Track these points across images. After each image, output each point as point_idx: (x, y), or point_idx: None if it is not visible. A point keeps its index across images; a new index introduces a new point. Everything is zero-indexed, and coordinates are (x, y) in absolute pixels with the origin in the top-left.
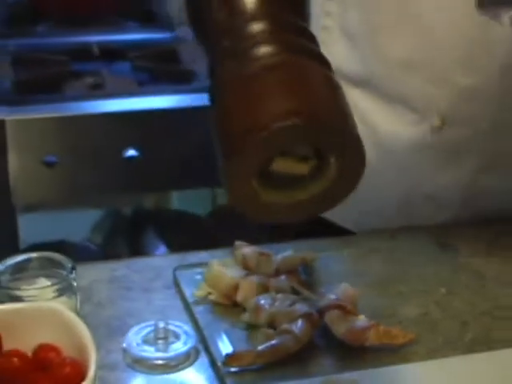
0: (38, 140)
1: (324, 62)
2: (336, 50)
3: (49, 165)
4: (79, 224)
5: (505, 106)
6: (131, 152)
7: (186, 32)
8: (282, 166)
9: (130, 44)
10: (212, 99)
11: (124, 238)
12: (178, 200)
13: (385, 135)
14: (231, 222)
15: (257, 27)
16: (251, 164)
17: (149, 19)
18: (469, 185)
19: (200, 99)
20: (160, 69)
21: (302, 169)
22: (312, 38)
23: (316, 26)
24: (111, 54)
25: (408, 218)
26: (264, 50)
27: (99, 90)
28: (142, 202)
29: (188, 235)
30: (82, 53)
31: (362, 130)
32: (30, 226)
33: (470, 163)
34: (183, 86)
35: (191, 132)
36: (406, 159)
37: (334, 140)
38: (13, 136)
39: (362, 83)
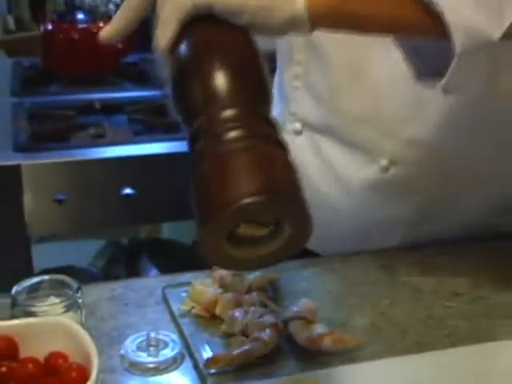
0: (50, 181)
1: (283, 147)
2: (304, 105)
3: (59, 202)
4: (84, 252)
5: (442, 152)
6: (128, 190)
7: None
8: (246, 230)
9: (126, 100)
10: (191, 172)
11: (122, 264)
12: (168, 231)
13: (343, 174)
14: None
15: (229, 114)
16: (221, 230)
17: (142, 80)
18: (413, 218)
19: (185, 146)
20: (152, 121)
21: (263, 232)
22: (274, 125)
23: (288, 86)
24: (111, 108)
25: (359, 244)
26: (235, 134)
27: (101, 139)
28: (137, 232)
29: (176, 260)
30: (86, 108)
31: (325, 171)
32: (42, 254)
33: (415, 199)
34: (171, 135)
35: (178, 173)
36: (360, 195)
37: (289, 213)
38: (27, 178)
39: (324, 131)
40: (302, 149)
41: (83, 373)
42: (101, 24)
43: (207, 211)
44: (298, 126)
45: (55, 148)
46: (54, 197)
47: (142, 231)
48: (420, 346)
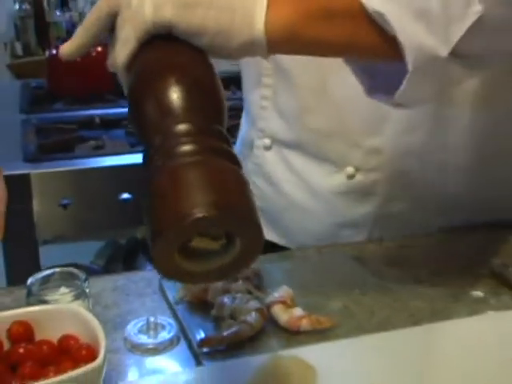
0: (55, 188)
1: (236, 162)
2: (272, 123)
3: (64, 206)
4: (86, 251)
5: (399, 159)
6: (125, 195)
7: None
8: (198, 243)
9: (122, 116)
10: (148, 186)
11: (120, 261)
12: None
13: (312, 183)
14: None
15: (182, 128)
16: (173, 244)
17: None
18: (377, 216)
19: None
20: None
21: (214, 246)
22: (227, 141)
23: (256, 106)
24: (109, 123)
25: (332, 238)
26: (187, 148)
27: (100, 150)
28: (134, 233)
29: None
30: (87, 123)
31: (296, 181)
32: (48, 254)
33: (377, 201)
34: None
35: None
36: (328, 199)
37: (240, 228)
38: (36, 185)
39: (293, 146)
40: (272, 162)
41: (92, 352)
42: (99, 48)
43: (159, 224)
44: (267, 141)
45: (60, 158)
46: (60, 202)
47: (138, 232)
48: (387, 325)
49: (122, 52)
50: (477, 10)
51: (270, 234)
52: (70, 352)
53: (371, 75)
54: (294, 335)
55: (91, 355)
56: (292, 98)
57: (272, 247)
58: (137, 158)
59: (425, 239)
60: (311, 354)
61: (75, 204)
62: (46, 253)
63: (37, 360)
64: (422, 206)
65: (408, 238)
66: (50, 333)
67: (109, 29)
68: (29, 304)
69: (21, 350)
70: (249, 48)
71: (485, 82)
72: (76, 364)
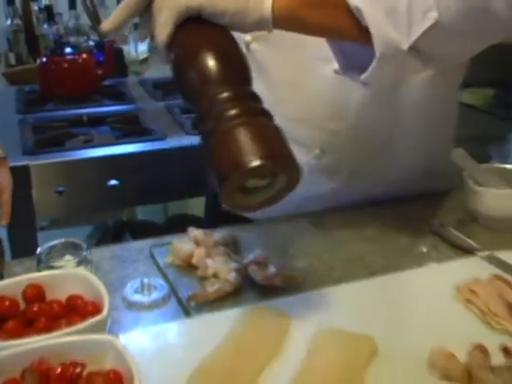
0: (51, 177)
1: (269, 116)
2: None
3: (59, 193)
4: (78, 234)
5: (358, 139)
6: (113, 182)
7: (142, 104)
8: (251, 183)
9: (107, 113)
10: (201, 144)
11: (109, 242)
12: (144, 213)
13: None
14: (178, 224)
15: (225, 95)
16: (234, 187)
17: (118, 97)
18: (340, 190)
19: (155, 146)
20: (128, 128)
21: (263, 183)
22: (258, 99)
23: None
24: (96, 120)
25: (296, 209)
26: (232, 112)
27: (89, 143)
28: (120, 216)
29: (150, 236)
30: (77, 121)
31: None
32: (45, 239)
33: (341, 178)
34: (143, 138)
35: (151, 167)
36: None
37: (284, 168)
38: (34, 175)
39: None
40: None
41: (97, 308)
42: (84, 55)
43: (223, 175)
44: None
45: (54, 151)
46: (56, 189)
47: (124, 214)
48: (346, 278)
49: (162, 34)
50: (434, 16)
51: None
52: (78, 309)
53: (347, 56)
54: (268, 290)
55: (96, 310)
56: (268, 90)
57: (245, 221)
58: (121, 149)
59: (374, 207)
60: (284, 304)
61: (69, 190)
62: (43, 237)
63: (49, 316)
64: (377, 179)
65: (358, 206)
66: (59, 293)
67: (142, 11)
68: (39, 270)
69: (35, 309)
70: (259, 24)
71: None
72: (83, 318)
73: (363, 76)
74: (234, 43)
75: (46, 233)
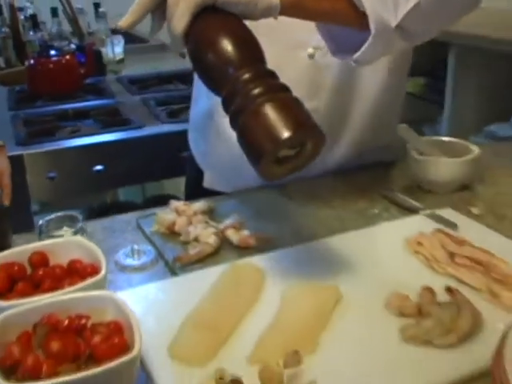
0: (43, 164)
1: (288, 89)
2: None
3: (51, 178)
4: None
5: (329, 115)
6: (98, 167)
7: (120, 98)
8: (283, 153)
9: (90, 107)
10: (232, 124)
11: None
12: (125, 195)
13: None
14: (155, 203)
15: (247, 76)
16: (270, 160)
17: (99, 93)
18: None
19: (134, 134)
20: (109, 119)
21: (292, 152)
22: (276, 76)
23: None
24: (80, 113)
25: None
26: (257, 91)
27: (76, 133)
28: (104, 198)
29: None
30: (63, 115)
31: None
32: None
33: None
34: (123, 128)
35: (131, 153)
36: None
37: (311, 136)
38: (28, 163)
39: None
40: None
41: (95, 269)
42: (67, 57)
43: (258, 152)
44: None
45: (45, 141)
46: (47, 175)
47: (107, 197)
48: (311, 237)
49: (179, 24)
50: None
51: (221, 186)
52: (78, 271)
53: (336, 41)
54: (244, 250)
55: (95, 272)
56: None
57: (217, 193)
58: (104, 138)
59: (333, 177)
60: (258, 261)
61: (59, 176)
62: (36, 220)
63: (53, 279)
64: (337, 152)
65: (319, 177)
66: (61, 259)
67: (156, 7)
68: (41, 240)
69: (40, 272)
70: (268, 12)
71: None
72: (83, 279)
73: (357, 54)
74: (246, 28)
75: (39, 217)
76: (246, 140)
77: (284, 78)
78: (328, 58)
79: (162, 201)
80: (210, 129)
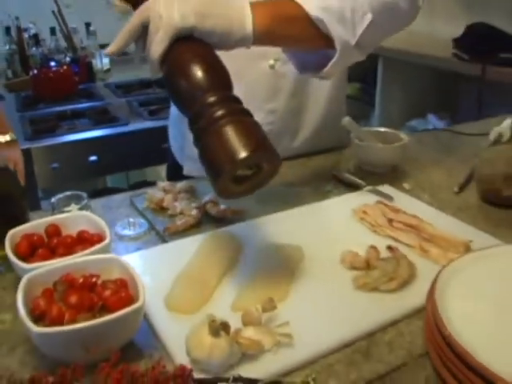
0: (47, 156)
1: (250, 114)
2: None
3: (54, 169)
4: None
5: (285, 115)
6: (93, 158)
7: (109, 100)
8: (240, 172)
9: (84, 108)
10: (195, 142)
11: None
12: (111, 182)
13: None
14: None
15: (212, 99)
16: (227, 179)
17: (91, 96)
18: None
19: (121, 129)
20: (101, 117)
21: (249, 172)
22: (239, 101)
23: None
24: (76, 114)
25: None
26: (220, 113)
27: (73, 130)
28: (96, 185)
29: None
30: (62, 115)
31: None
32: (45, 205)
33: (284, 141)
34: (113, 124)
35: (119, 145)
36: None
37: (268, 158)
38: (35, 156)
39: None
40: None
41: (100, 238)
42: (65, 67)
43: (217, 169)
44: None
45: (48, 137)
46: (51, 166)
47: (98, 184)
48: (276, 210)
49: (157, 49)
50: (369, 17)
51: (197, 172)
52: (86, 240)
53: (301, 61)
54: (221, 221)
55: (100, 240)
56: None
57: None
58: (97, 133)
59: (291, 160)
60: (235, 230)
61: (61, 166)
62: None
63: (66, 246)
64: (295, 145)
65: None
66: (71, 230)
67: (138, 35)
68: (53, 214)
69: (55, 241)
70: (241, 43)
71: None
72: (92, 246)
73: (324, 71)
74: (217, 57)
75: (43, 201)
76: (206, 158)
77: (247, 84)
78: (285, 67)
79: (144, 186)
80: (185, 126)
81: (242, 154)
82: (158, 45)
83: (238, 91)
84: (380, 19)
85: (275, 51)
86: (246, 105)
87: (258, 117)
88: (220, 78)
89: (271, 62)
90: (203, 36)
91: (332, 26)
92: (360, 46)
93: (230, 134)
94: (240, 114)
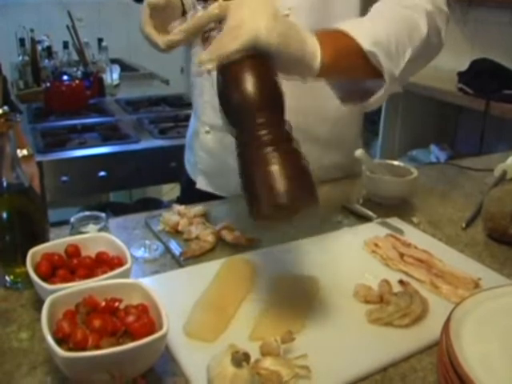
0: (57, 169)
1: (297, 145)
2: (210, 117)
3: (63, 182)
4: (73, 212)
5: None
6: (102, 173)
7: (119, 116)
8: None
9: (95, 123)
10: (240, 168)
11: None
12: (113, 195)
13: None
14: (141, 205)
15: (261, 120)
16: (263, 217)
17: (101, 112)
18: None
19: (131, 147)
20: (111, 134)
21: None
22: (290, 127)
23: (200, 107)
24: (87, 128)
25: None
26: (267, 138)
27: (84, 145)
28: (101, 198)
29: (122, 213)
30: (73, 129)
31: (226, 152)
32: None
33: None
34: (122, 141)
35: (128, 162)
36: None
37: (306, 204)
38: (45, 168)
39: (223, 130)
40: (211, 141)
41: (120, 260)
42: (77, 81)
43: (256, 208)
44: (207, 128)
45: (58, 151)
46: (60, 179)
47: (102, 197)
48: (289, 239)
49: (226, 53)
50: (410, 52)
51: (209, 187)
52: (105, 262)
53: (344, 91)
54: (236, 247)
55: (120, 263)
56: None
57: (212, 197)
58: (107, 149)
59: None
60: (249, 256)
61: (70, 180)
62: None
63: (86, 267)
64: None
65: None
66: (90, 251)
67: (205, 29)
68: (72, 234)
69: (75, 261)
70: (306, 72)
71: None
72: (111, 269)
73: (371, 101)
74: (276, 77)
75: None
76: (247, 189)
77: None
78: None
79: (147, 202)
80: (196, 144)
81: (283, 201)
82: (228, 48)
83: None
84: (417, 53)
85: None
86: None
87: None
88: (276, 100)
89: None
90: (277, 57)
91: (382, 59)
92: (398, 78)
93: (275, 170)
94: (287, 144)
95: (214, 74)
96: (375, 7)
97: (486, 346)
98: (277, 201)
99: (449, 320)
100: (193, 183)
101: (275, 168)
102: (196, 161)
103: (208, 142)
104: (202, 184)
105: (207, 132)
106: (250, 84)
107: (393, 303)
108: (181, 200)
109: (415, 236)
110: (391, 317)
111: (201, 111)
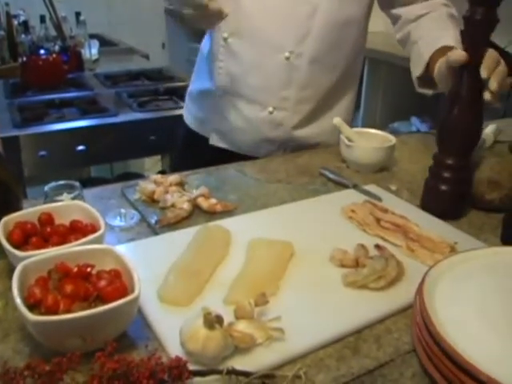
0: (35, 144)
1: None
2: (225, 81)
3: (41, 157)
4: None
5: (297, 103)
6: (81, 147)
7: (98, 90)
8: None
9: (73, 97)
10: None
11: None
12: (95, 171)
13: (248, 116)
14: (122, 180)
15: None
16: None
17: (80, 86)
18: (284, 138)
19: (110, 120)
20: (89, 107)
21: None
22: None
23: (216, 72)
24: (64, 103)
25: (257, 148)
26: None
27: (62, 119)
28: (82, 174)
29: None
30: (50, 103)
31: (238, 115)
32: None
33: (284, 129)
34: (101, 114)
35: (107, 136)
36: (257, 126)
37: None
38: (23, 143)
39: (236, 95)
40: (224, 105)
41: (94, 228)
42: (54, 56)
43: None
44: (221, 93)
45: (36, 125)
46: (38, 154)
47: (83, 173)
48: (265, 206)
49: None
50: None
51: (223, 143)
52: (80, 229)
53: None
54: (212, 215)
55: (93, 230)
56: (237, 66)
57: (224, 151)
58: (85, 123)
59: (278, 158)
60: (225, 223)
61: (48, 155)
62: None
63: (59, 235)
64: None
65: (271, 156)
66: (64, 219)
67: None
68: (46, 203)
69: (48, 229)
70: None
71: None
72: (85, 236)
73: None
74: None
75: (29, 189)
76: None
77: (265, 73)
78: (299, 60)
79: (128, 177)
80: (207, 103)
81: None
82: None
83: (256, 78)
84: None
85: (290, 44)
86: (262, 91)
87: (273, 102)
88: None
89: (287, 54)
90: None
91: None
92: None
93: None
94: None
95: (231, 40)
96: (430, 17)
97: (459, 306)
98: None
99: (423, 281)
100: (197, 137)
101: None
102: (208, 119)
103: (222, 105)
104: (214, 140)
105: (220, 96)
106: None
107: (368, 266)
108: (179, 151)
109: (393, 202)
110: (366, 279)
111: (215, 77)
